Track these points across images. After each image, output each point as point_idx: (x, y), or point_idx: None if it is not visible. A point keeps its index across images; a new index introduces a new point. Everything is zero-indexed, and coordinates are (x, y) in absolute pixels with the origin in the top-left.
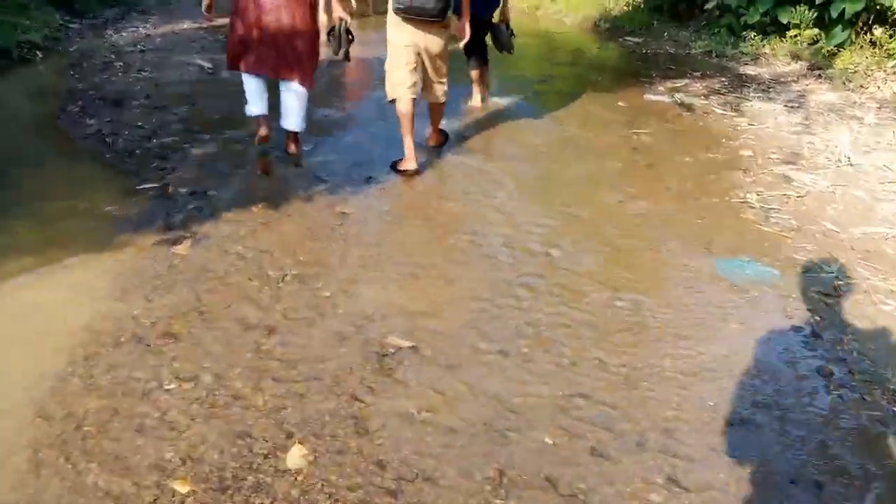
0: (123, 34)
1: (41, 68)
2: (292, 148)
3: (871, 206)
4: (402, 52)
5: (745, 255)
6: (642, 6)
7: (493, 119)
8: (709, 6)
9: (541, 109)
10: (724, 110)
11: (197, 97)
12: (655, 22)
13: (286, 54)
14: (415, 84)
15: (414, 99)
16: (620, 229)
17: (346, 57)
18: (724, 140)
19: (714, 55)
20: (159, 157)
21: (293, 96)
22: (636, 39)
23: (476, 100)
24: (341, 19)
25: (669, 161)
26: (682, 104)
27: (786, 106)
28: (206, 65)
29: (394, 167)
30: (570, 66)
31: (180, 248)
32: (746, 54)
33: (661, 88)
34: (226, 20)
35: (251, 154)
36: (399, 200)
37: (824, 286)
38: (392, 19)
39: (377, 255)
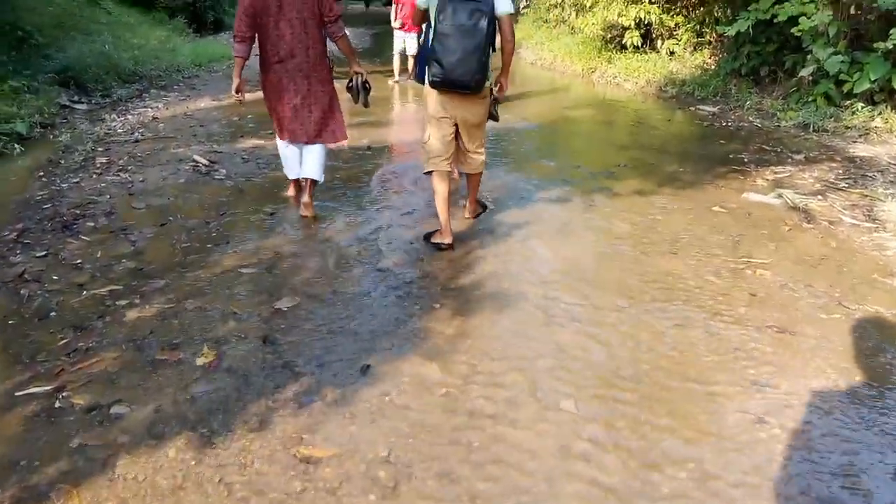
0: (128, 117)
1: (14, 166)
2: (305, 198)
3: None
4: (439, 124)
5: None
6: (716, 69)
7: (552, 241)
8: (804, 73)
9: (612, 225)
10: (855, 217)
11: (173, 212)
12: (733, 88)
13: (317, 122)
14: (451, 156)
15: (450, 172)
16: None
17: (366, 104)
18: (875, 276)
19: (811, 129)
20: (76, 326)
21: (320, 149)
22: (711, 109)
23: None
24: (357, 72)
25: (814, 321)
26: (796, 208)
27: None
28: (203, 161)
29: (427, 238)
30: (641, 150)
31: None
32: (851, 128)
33: (761, 182)
34: (249, 99)
35: (214, 314)
36: (409, 426)
37: None
38: (429, 90)
39: None
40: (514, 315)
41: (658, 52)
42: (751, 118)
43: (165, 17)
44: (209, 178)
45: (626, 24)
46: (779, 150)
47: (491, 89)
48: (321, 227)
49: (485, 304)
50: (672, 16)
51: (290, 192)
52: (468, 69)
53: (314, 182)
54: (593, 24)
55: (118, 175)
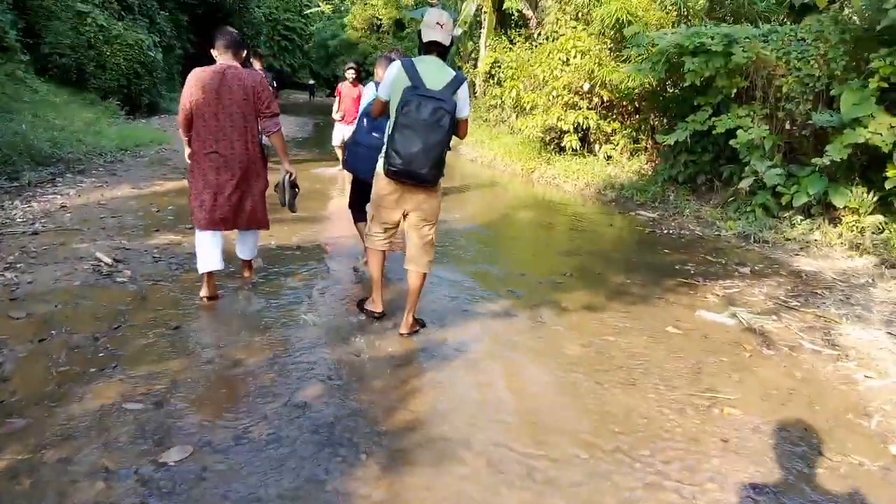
0: (33, 204)
1: None
2: (246, 273)
3: None
4: (385, 212)
5: None
6: (653, 175)
7: (499, 368)
8: (743, 184)
9: (564, 348)
10: (814, 342)
11: (58, 324)
12: (671, 194)
13: (248, 213)
14: (389, 238)
15: (383, 252)
16: None
17: (292, 208)
18: (850, 416)
19: (752, 240)
20: None
21: (251, 236)
22: (651, 214)
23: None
24: (287, 171)
25: (799, 476)
26: (752, 330)
27: (890, 333)
28: (106, 260)
29: (360, 305)
30: (586, 257)
31: None
32: (791, 240)
33: (711, 298)
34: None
35: (79, 470)
36: None
37: None
38: (379, 178)
39: None
40: (456, 470)
41: (596, 155)
42: (691, 226)
43: (97, 98)
44: (110, 280)
45: (564, 127)
46: (723, 261)
47: None
48: (230, 344)
49: (421, 454)
50: (609, 122)
51: (203, 291)
52: (427, 162)
53: (249, 262)
54: (533, 126)
55: (2, 274)
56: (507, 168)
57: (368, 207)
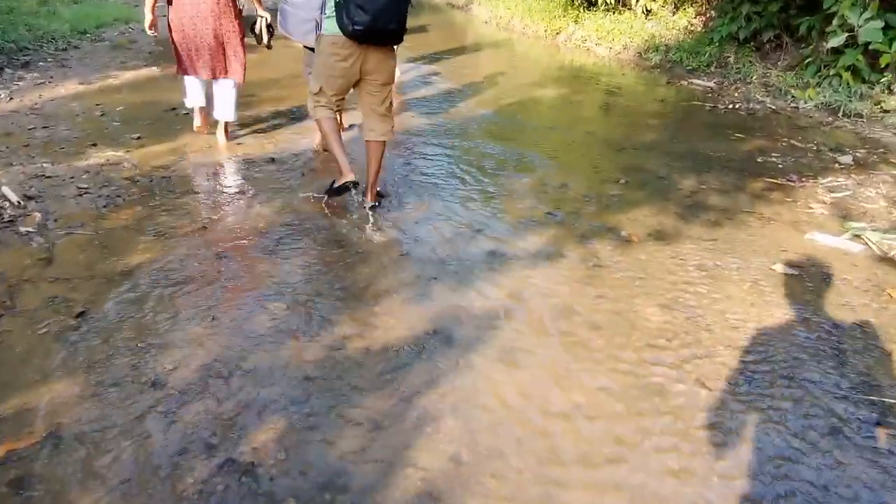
0: None
1: None
2: (223, 137)
3: None
4: (336, 81)
5: None
6: (707, 33)
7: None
8: (834, 42)
9: (639, 316)
10: None
11: None
12: (731, 56)
13: (220, 58)
14: (339, 106)
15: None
16: None
17: (269, 45)
18: None
19: (840, 113)
20: None
21: (228, 90)
22: (707, 83)
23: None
24: (260, 16)
25: None
26: (890, 259)
27: None
28: (13, 198)
29: (330, 192)
30: (640, 152)
31: None
32: (890, 112)
33: (818, 208)
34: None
35: None
36: None
37: None
38: (331, 42)
39: None
40: None
41: (633, 10)
42: (759, 96)
43: None
44: (10, 231)
45: None
46: (814, 146)
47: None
48: (154, 356)
49: None
50: None
51: (198, 121)
52: (396, 16)
53: (227, 124)
54: None
55: None
56: (527, 30)
57: (316, 76)
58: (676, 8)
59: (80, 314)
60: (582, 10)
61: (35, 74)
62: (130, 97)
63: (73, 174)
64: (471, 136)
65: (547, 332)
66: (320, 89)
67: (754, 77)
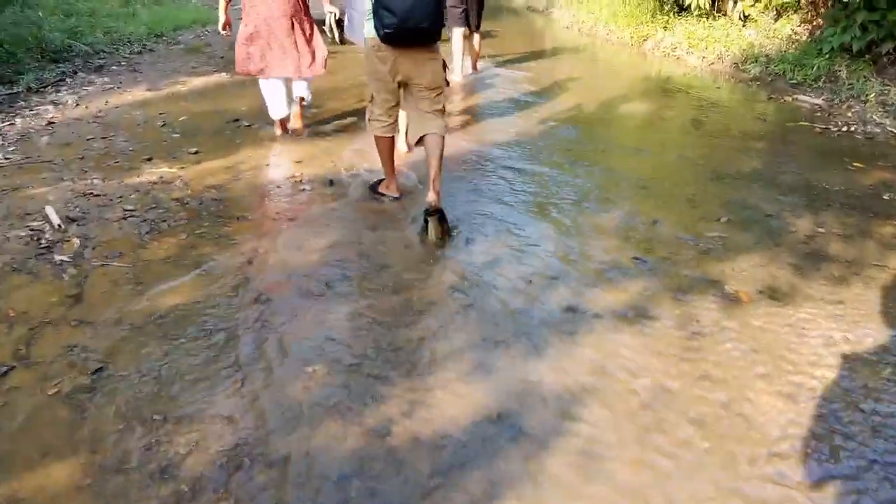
0: (17, 120)
1: None
2: (298, 120)
3: None
4: (384, 85)
5: None
6: (814, 44)
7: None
8: None
9: (755, 418)
10: None
11: None
12: (842, 71)
13: (297, 55)
14: (394, 121)
15: (391, 137)
16: None
17: (342, 41)
18: None
19: None
20: None
21: (304, 81)
22: (815, 100)
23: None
24: (329, 12)
25: None
26: None
27: None
28: (54, 220)
29: (374, 189)
30: (742, 181)
31: None
32: None
33: None
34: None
35: None
36: None
37: None
38: (372, 47)
39: None
40: None
41: (729, 16)
42: (877, 117)
43: None
44: (44, 259)
45: None
46: None
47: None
48: (169, 434)
49: None
50: None
51: (278, 131)
52: (427, 14)
53: (303, 102)
54: None
55: None
56: (611, 36)
57: (369, 87)
58: (779, 14)
59: (97, 370)
60: (672, 16)
61: (106, 79)
62: (195, 106)
63: (122, 193)
64: (547, 158)
65: (635, 425)
66: (372, 97)
67: (871, 95)
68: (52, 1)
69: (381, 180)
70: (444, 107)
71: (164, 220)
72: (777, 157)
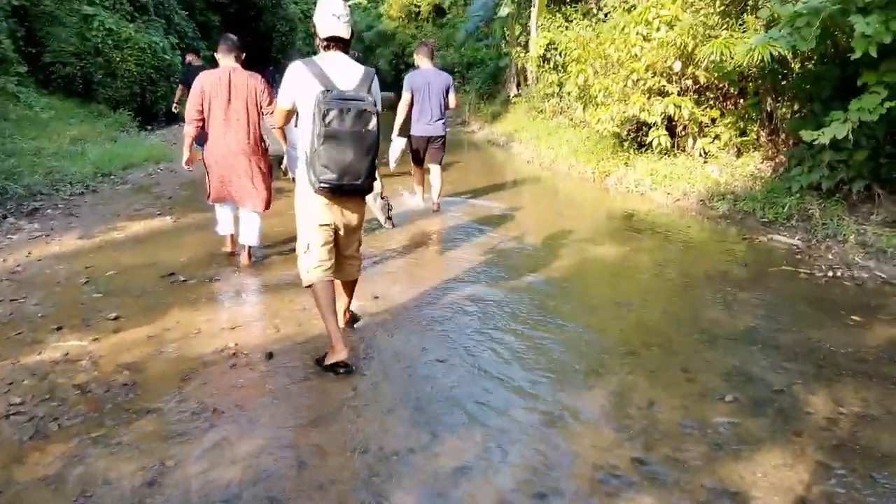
0: None
1: None
2: (245, 259)
3: None
4: (321, 231)
5: None
6: (778, 181)
7: None
8: None
9: None
10: None
11: None
12: (814, 210)
13: (248, 191)
14: (332, 265)
15: (332, 281)
16: None
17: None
18: None
19: None
20: None
21: (253, 218)
22: (790, 240)
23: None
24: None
25: None
26: None
27: None
28: None
29: (320, 363)
30: (735, 344)
31: None
32: None
33: None
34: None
35: None
36: None
37: None
38: (308, 196)
39: None
40: None
41: (689, 153)
42: (859, 259)
43: (107, 109)
44: None
45: (650, 119)
46: None
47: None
48: None
49: None
50: (705, 109)
51: (228, 247)
52: (362, 172)
53: (250, 248)
54: (607, 118)
55: None
56: (573, 171)
57: (301, 233)
58: (739, 152)
59: None
60: (633, 153)
61: (36, 225)
62: (128, 257)
63: (14, 377)
64: (518, 316)
65: None
66: (308, 246)
67: (850, 236)
68: None
69: (325, 354)
70: (360, 243)
71: (56, 418)
72: (768, 311)
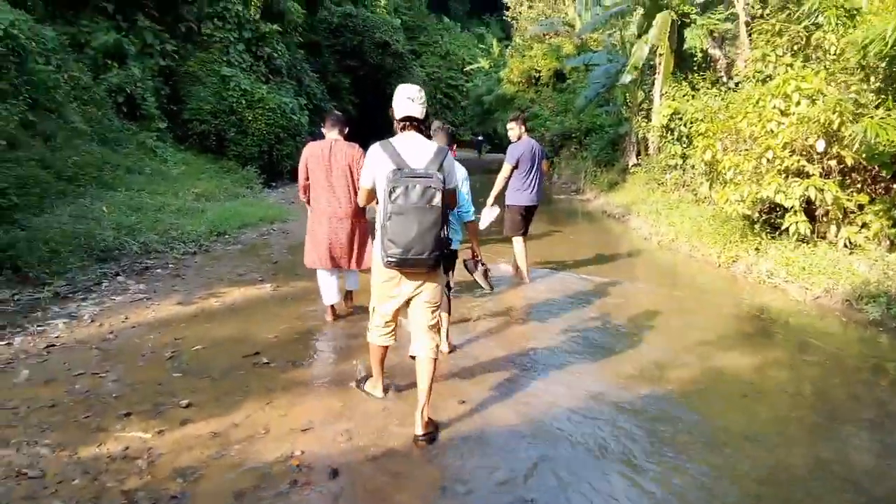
0: (14, 340)
1: None
2: (348, 304)
3: None
4: (387, 301)
5: None
6: None
7: None
8: None
9: None
10: None
11: None
12: None
13: (350, 252)
14: (392, 330)
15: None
16: None
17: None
18: None
19: None
20: None
21: (354, 272)
22: None
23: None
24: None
25: None
26: None
27: None
28: None
29: (361, 383)
30: None
31: None
32: None
33: None
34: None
35: None
36: None
37: None
38: (378, 266)
39: None
40: None
41: (832, 242)
42: None
43: (237, 165)
44: None
45: (787, 203)
46: None
47: (476, 260)
48: None
49: None
50: (851, 194)
51: (329, 317)
52: (426, 246)
53: (351, 291)
54: (738, 199)
55: None
56: (695, 252)
57: (372, 296)
58: (893, 245)
59: None
60: (765, 237)
61: (142, 286)
62: (219, 329)
63: (66, 475)
64: (627, 447)
65: None
66: (373, 308)
67: None
68: (122, 196)
69: (368, 377)
70: (438, 321)
71: None
72: None
